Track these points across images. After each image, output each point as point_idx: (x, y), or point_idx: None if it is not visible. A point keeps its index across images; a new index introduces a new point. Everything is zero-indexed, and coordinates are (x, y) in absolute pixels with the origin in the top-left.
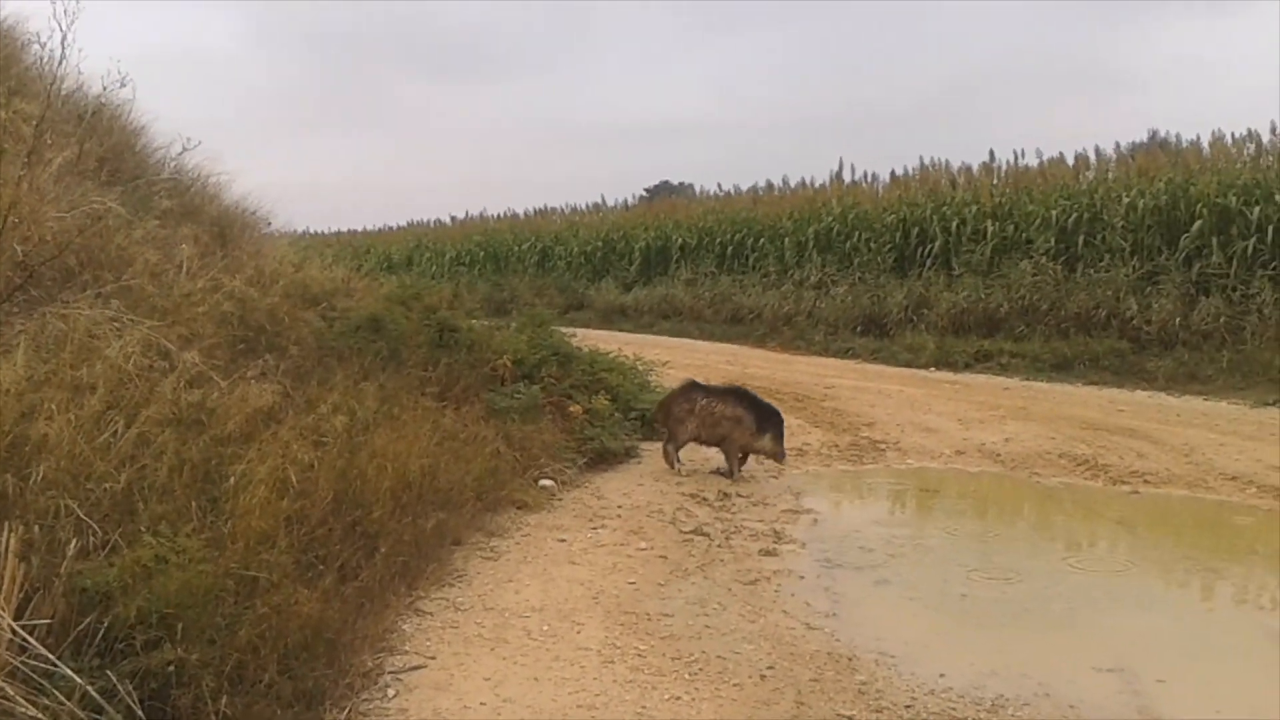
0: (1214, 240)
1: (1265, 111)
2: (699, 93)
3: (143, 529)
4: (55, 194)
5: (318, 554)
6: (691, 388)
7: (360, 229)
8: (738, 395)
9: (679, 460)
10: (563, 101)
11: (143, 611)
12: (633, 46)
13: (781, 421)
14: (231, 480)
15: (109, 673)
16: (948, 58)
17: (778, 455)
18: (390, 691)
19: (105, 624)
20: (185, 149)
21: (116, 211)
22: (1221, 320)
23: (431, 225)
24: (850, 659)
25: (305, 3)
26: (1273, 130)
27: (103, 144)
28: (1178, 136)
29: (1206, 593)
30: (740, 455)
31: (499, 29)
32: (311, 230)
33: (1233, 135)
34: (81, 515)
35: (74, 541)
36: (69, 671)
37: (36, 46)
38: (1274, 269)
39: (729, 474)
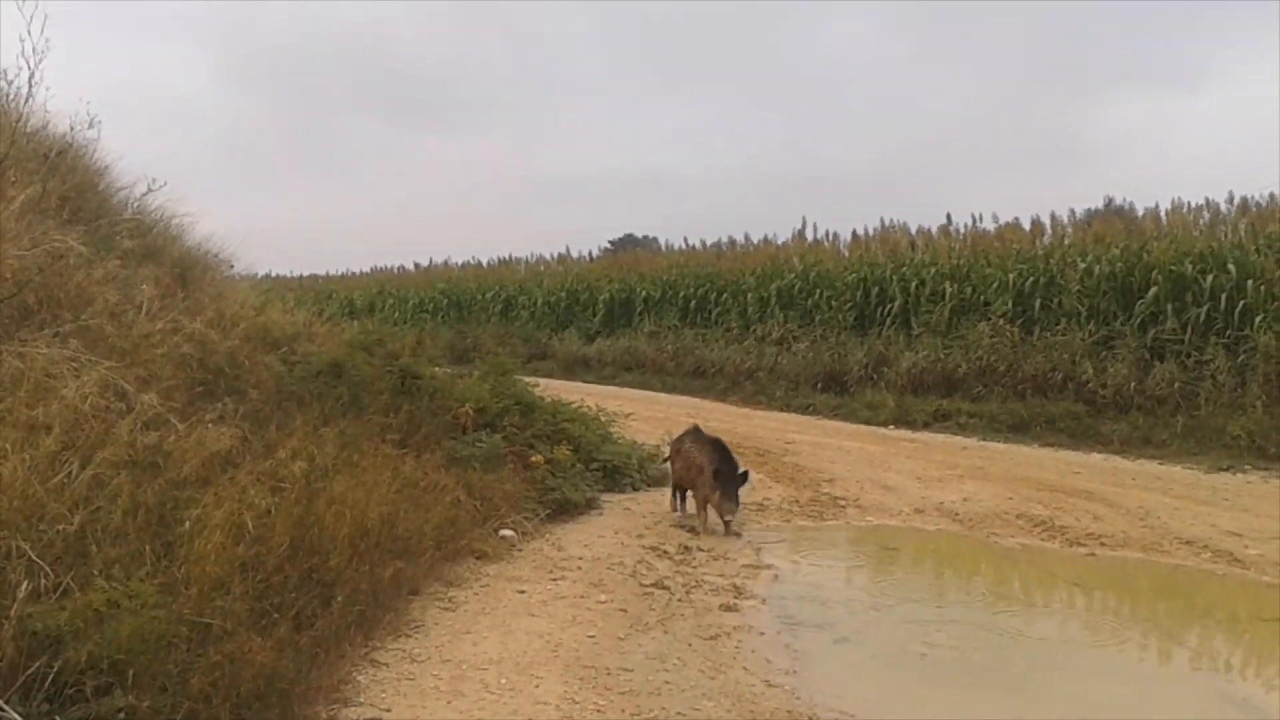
0: (1169, 307)
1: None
2: (662, 149)
3: (96, 572)
4: (16, 231)
5: (273, 602)
6: (691, 430)
7: (323, 273)
8: (714, 446)
9: (678, 505)
10: (527, 152)
11: (94, 656)
12: (597, 100)
13: (735, 482)
14: (187, 525)
15: (58, 718)
16: (905, 124)
17: (721, 512)
18: None
19: (55, 668)
20: (149, 190)
21: (77, 251)
22: (1176, 386)
23: (395, 271)
24: (810, 717)
25: (269, 45)
26: (1230, 200)
27: (66, 182)
28: (1132, 204)
29: (1162, 656)
30: (704, 507)
31: (464, 78)
32: (274, 274)
33: (1189, 204)
34: (33, 557)
35: (25, 583)
36: (17, 716)
37: (3, 83)
38: (1228, 336)
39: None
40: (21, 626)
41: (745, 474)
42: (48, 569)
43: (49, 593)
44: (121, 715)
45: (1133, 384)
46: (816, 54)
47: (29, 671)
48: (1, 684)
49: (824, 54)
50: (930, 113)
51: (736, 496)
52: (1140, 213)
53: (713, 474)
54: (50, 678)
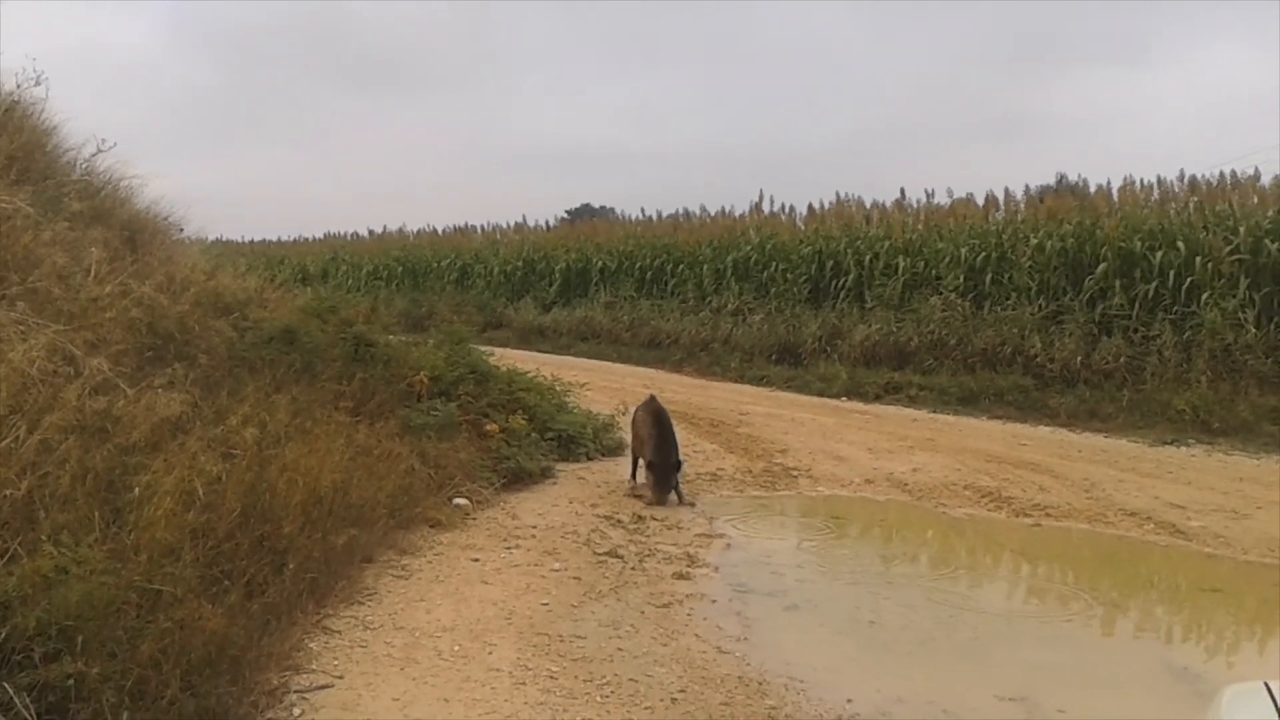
0: (1117, 282)
1: (1165, 161)
2: (617, 120)
3: (44, 538)
4: None
5: (224, 569)
6: (646, 400)
7: (275, 239)
8: (656, 424)
9: (634, 475)
10: (483, 121)
11: (42, 623)
12: (553, 70)
13: (664, 458)
14: (136, 491)
15: (6, 685)
16: (863, 100)
17: (652, 499)
18: (296, 710)
19: (3, 634)
20: (98, 151)
21: (25, 212)
22: (1122, 360)
23: (349, 238)
24: (760, 683)
25: (220, 8)
26: (1180, 178)
27: (13, 142)
28: (1084, 180)
29: (1107, 625)
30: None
31: (419, 45)
32: (225, 238)
33: (1141, 181)
34: None
35: None
36: None
37: None
38: (1175, 312)
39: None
40: None
41: (678, 464)
42: None
43: None
44: (70, 681)
45: (1080, 358)
46: (776, 29)
47: None
48: None
49: (783, 29)
50: (887, 89)
51: (668, 484)
52: (1093, 189)
53: (647, 465)
54: None
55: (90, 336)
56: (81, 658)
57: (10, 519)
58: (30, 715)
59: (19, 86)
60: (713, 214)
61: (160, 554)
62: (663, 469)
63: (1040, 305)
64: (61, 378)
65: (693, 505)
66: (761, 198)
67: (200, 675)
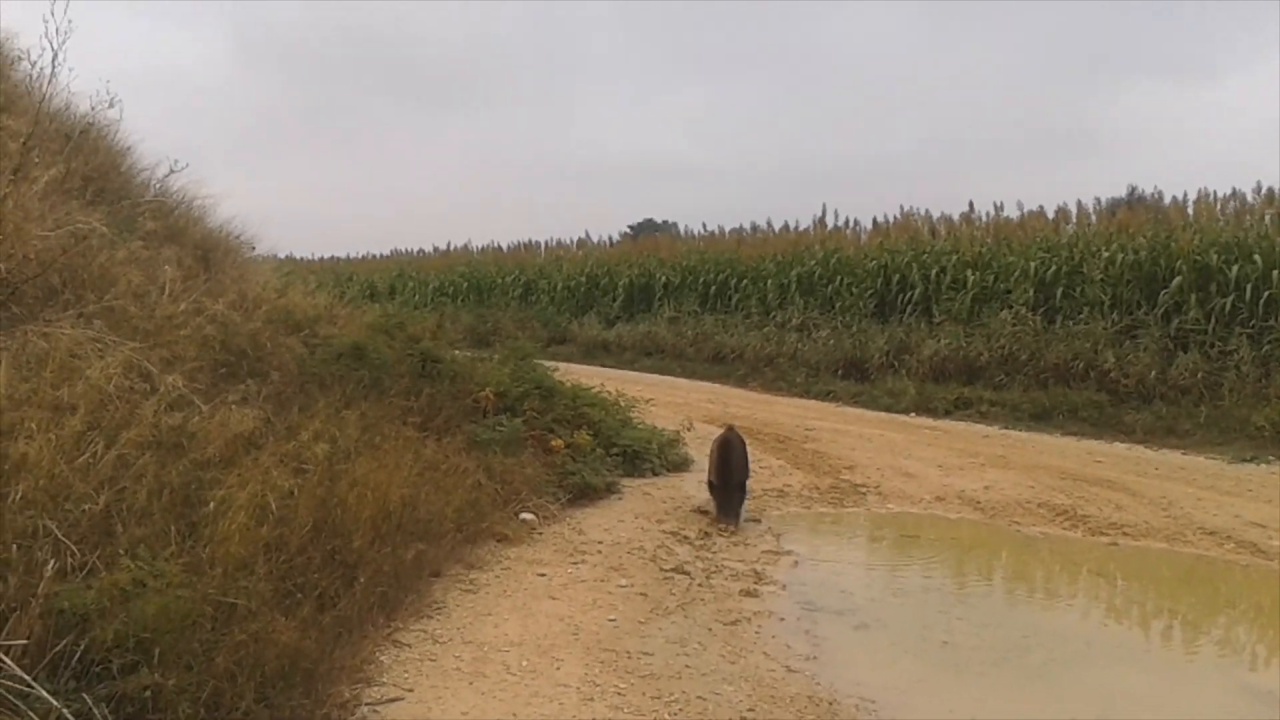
0: (1193, 297)
1: (1240, 174)
2: (679, 135)
3: (121, 552)
4: (40, 212)
5: (296, 582)
6: (724, 429)
7: (343, 256)
8: (723, 442)
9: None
10: (546, 136)
11: (120, 635)
12: (616, 86)
13: (723, 483)
14: (211, 505)
15: (85, 695)
16: (927, 113)
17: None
18: None
19: (82, 646)
20: (171, 171)
21: (101, 231)
22: (1199, 376)
23: (415, 255)
24: (831, 703)
25: (286, 28)
26: (1257, 190)
27: (89, 163)
28: (1159, 192)
29: (1186, 647)
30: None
31: (482, 61)
32: (295, 256)
33: (1215, 194)
34: (60, 536)
35: (52, 562)
36: (45, 693)
37: (26, 64)
38: (1252, 326)
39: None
40: (48, 605)
41: (740, 485)
42: (74, 548)
43: (75, 572)
44: (147, 693)
45: (1155, 373)
46: (838, 43)
47: (56, 649)
48: (29, 661)
49: (845, 43)
50: (952, 102)
51: (732, 511)
52: (1166, 202)
53: (709, 486)
54: (77, 655)
55: (165, 354)
56: (158, 670)
57: (88, 533)
58: None
59: (93, 109)
60: (776, 229)
61: (234, 567)
62: (722, 491)
63: (1113, 320)
64: (138, 394)
65: (758, 521)
66: (825, 212)
67: (274, 687)
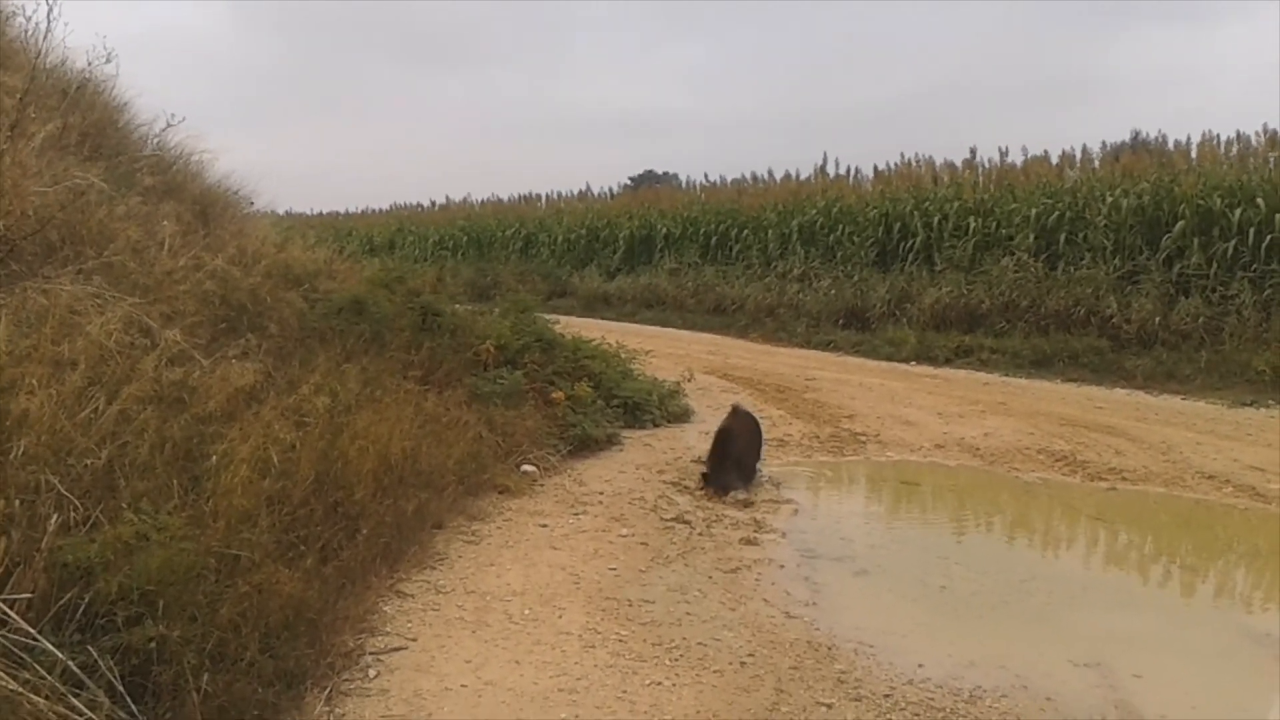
0: (1195, 241)
1: (1236, 118)
2: (677, 86)
3: (124, 506)
4: (38, 168)
5: (299, 534)
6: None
7: (342, 211)
8: (722, 431)
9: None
10: (545, 91)
11: (124, 588)
12: (614, 38)
13: (719, 456)
14: (213, 459)
15: (90, 648)
16: (926, 59)
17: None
18: (371, 672)
19: (86, 599)
20: (169, 125)
21: (99, 187)
22: (1200, 321)
23: (414, 209)
24: (830, 648)
25: None
26: (1264, 132)
27: (86, 119)
28: (1163, 136)
29: (1184, 590)
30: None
31: (479, 14)
32: (294, 211)
33: (1219, 137)
34: (63, 490)
35: (55, 517)
36: (50, 646)
37: (21, 19)
38: (1254, 271)
39: None
40: (52, 558)
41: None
42: (76, 502)
43: (78, 525)
44: (152, 644)
45: (1157, 319)
46: None
47: (60, 603)
48: (34, 615)
49: None
50: (953, 47)
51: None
52: (1170, 146)
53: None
54: (81, 608)
55: (165, 309)
56: (163, 621)
57: (92, 487)
58: (114, 677)
59: (90, 64)
60: (777, 178)
61: (237, 520)
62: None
63: (1116, 265)
64: (138, 349)
65: (758, 471)
66: (826, 160)
67: (278, 638)
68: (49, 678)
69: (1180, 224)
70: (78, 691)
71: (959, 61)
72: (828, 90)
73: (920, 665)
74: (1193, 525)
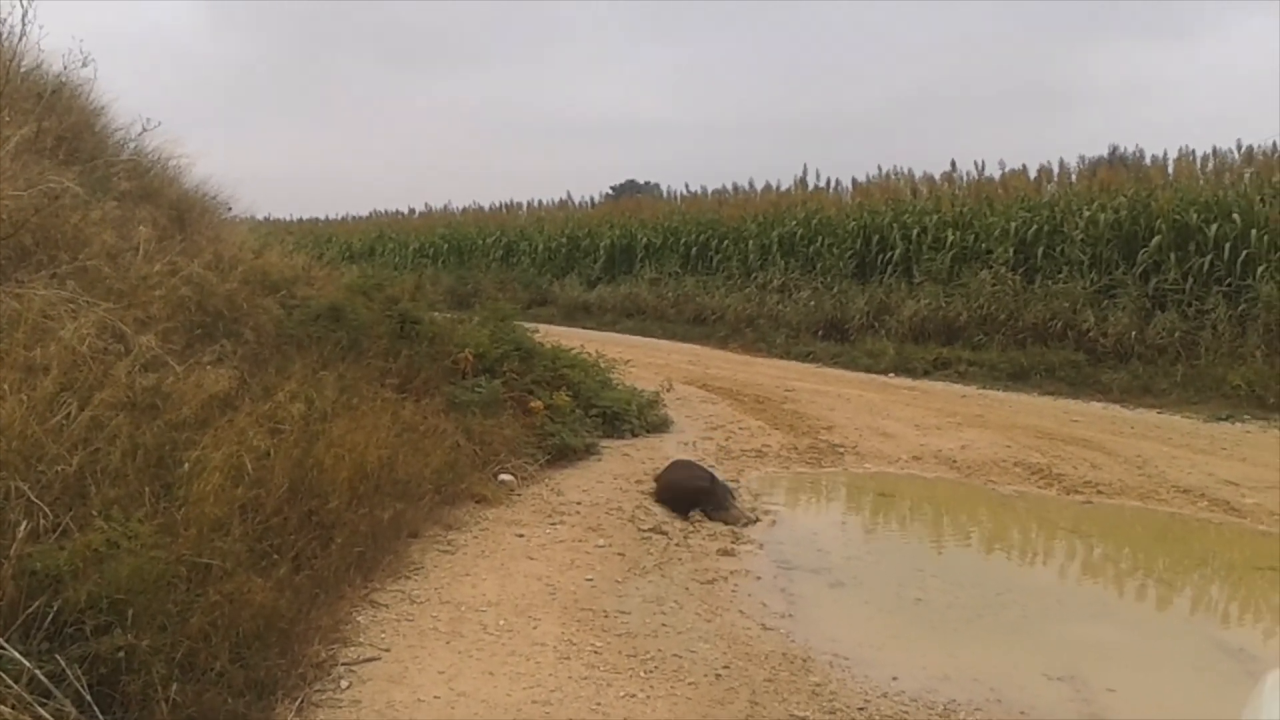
0: (1172, 256)
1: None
2: (654, 94)
3: (94, 513)
4: (12, 172)
5: (272, 543)
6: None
7: (321, 217)
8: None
9: None
10: (525, 97)
11: (93, 596)
12: (592, 45)
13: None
14: (185, 466)
15: (58, 657)
16: (904, 67)
17: None
18: (344, 683)
19: (55, 608)
20: (145, 130)
21: (74, 191)
22: (1176, 335)
23: (395, 215)
24: (805, 660)
25: None
26: (1237, 148)
27: (61, 122)
28: (1141, 151)
29: (1159, 604)
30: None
31: (459, 19)
32: (272, 217)
33: (1195, 153)
34: (32, 497)
35: (24, 524)
36: (17, 654)
37: None
38: (1229, 285)
39: None
40: (21, 566)
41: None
42: (46, 509)
43: (48, 533)
44: (121, 654)
45: (1133, 333)
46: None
47: (29, 611)
48: (2, 623)
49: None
50: (930, 56)
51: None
52: (1147, 160)
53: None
54: (50, 617)
55: (140, 314)
56: (132, 630)
57: (61, 494)
58: (82, 686)
59: (66, 67)
60: (759, 189)
61: (209, 528)
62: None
63: (1092, 279)
64: (112, 355)
65: (735, 483)
66: (806, 172)
67: (249, 648)
68: (15, 686)
69: (1156, 239)
70: (45, 701)
71: (937, 70)
72: (808, 98)
73: (895, 678)
74: (1168, 539)
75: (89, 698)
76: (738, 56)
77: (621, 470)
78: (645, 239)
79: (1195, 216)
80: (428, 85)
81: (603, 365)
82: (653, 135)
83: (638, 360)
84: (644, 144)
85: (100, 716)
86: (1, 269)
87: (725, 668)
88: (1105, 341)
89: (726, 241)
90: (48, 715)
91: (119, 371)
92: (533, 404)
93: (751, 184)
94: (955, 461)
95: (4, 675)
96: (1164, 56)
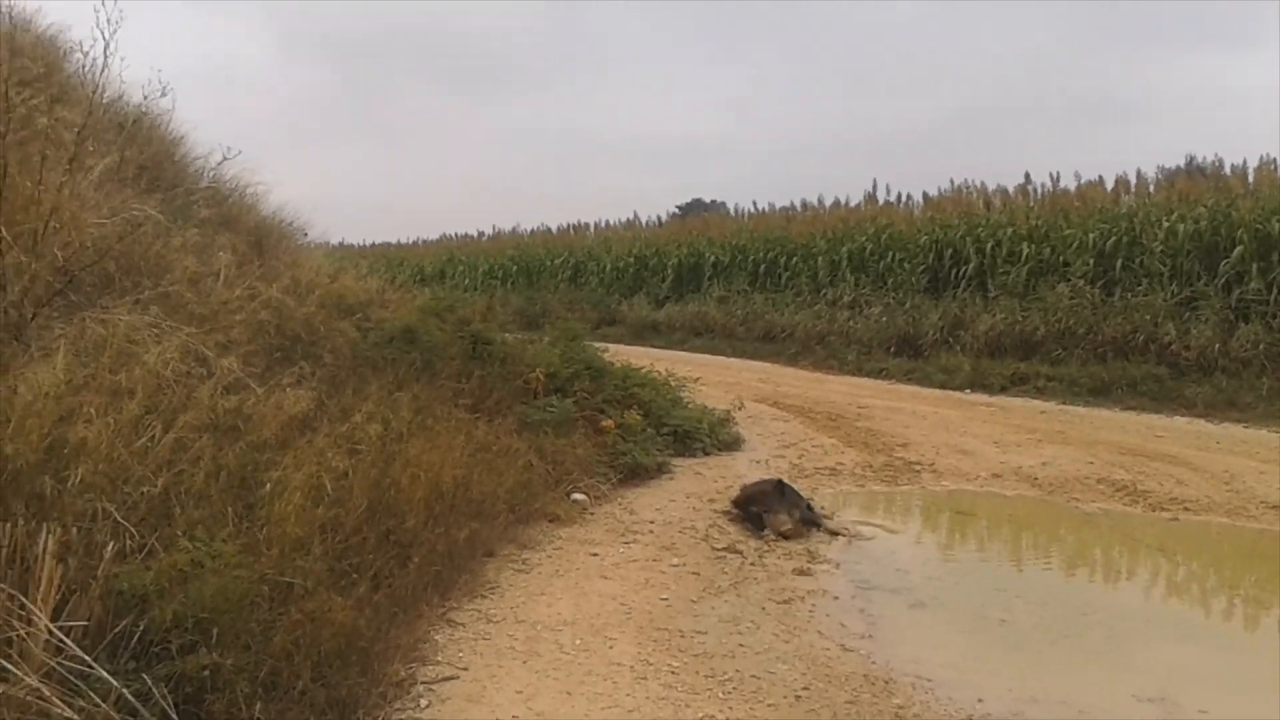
0: (1254, 266)
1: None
2: (719, 113)
3: (179, 533)
4: (96, 200)
5: (351, 562)
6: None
7: (394, 241)
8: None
9: None
10: (589, 120)
11: (179, 615)
12: (656, 66)
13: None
14: (267, 486)
15: (144, 675)
16: (969, 79)
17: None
18: (423, 702)
19: (141, 627)
20: (225, 159)
21: (155, 219)
22: (1261, 347)
23: (464, 239)
24: (887, 682)
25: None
26: None
27: (143, 152)
28: (1220, 161)
29: (1249, 623)
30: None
31: (525, 44)
32: (346, 242)
33: (1276, 161)
34: (119, 518)
35: (111, 544)
36: (105, 673)
37: (79, 54)
38: None
39: None
40: (108, 586)
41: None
42: (133, 530)
43: (134, 553)
44: (205, 672)
45: (1216, 345)
46: (881, 11)
47: (115, 630)
48: (89, 642)
49: (889, 11)
50: (999, 71)
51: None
52: (1226, 170)
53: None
54: (136, 636)
55: (221, 338)
56: (217, 649)
57: (147, 515)
58: (168, 705)
59: (146, 98)
60: (827, 205)
61: (291, 548)
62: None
63: (1173, 291)
64: (194, 378)
65: (811, 499)
66: (876, 187)
67: (330, 666)
68: (103, 705)
69: (1238, 249)
70: (132, 719)
71: (1005, 82)
72: (876, 113)
73: (980, 700)
74: (1257, 556)
75: (175, 716)
76: (801, 74)
77: (694, 489)
78: (713, 257)
79: (1278, 226)
80: (493, 109)
81: (673, 384)
82: (718, 154)
83: (707, 379)
84: (709, 163)
85: None
86: (87, 295)
87: (805, 689)
88: (1188, 355)
89: (795, 258)
90: None
91: (202, 394)
92: (604, 423)
93: (820, 200)
94: (1036, 479)
95: (92, 694)
96: (1239, 64)
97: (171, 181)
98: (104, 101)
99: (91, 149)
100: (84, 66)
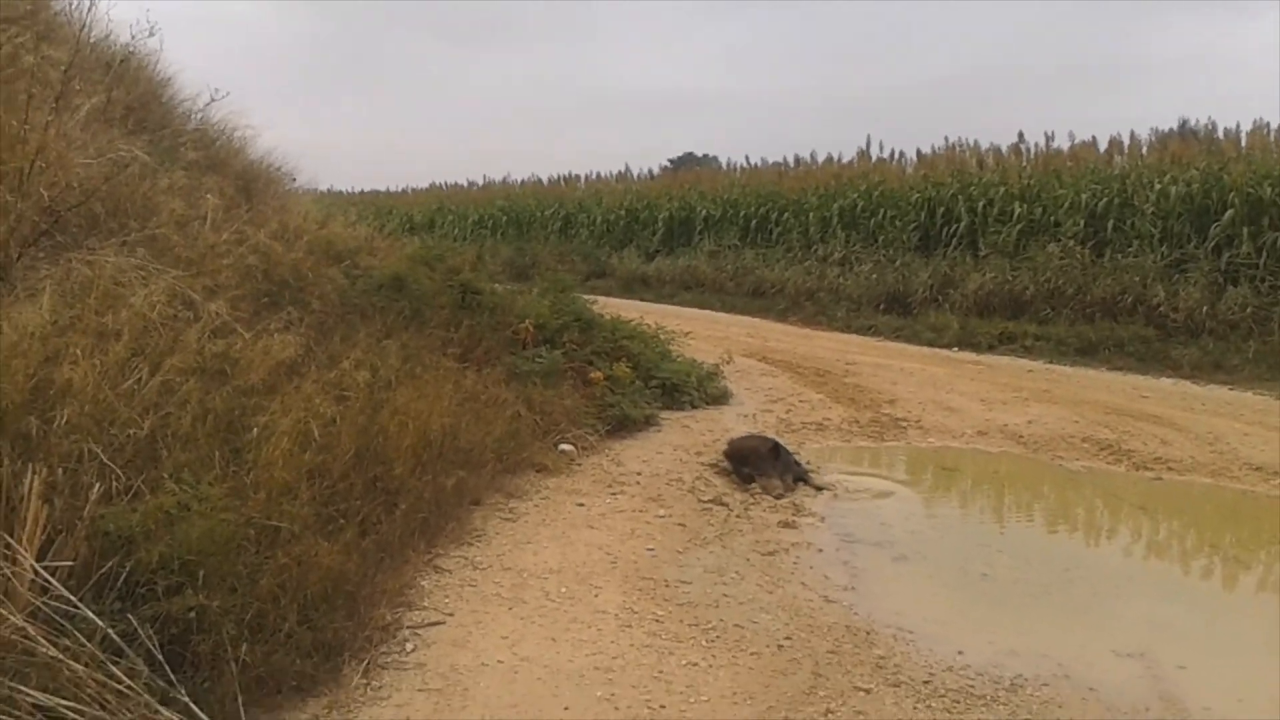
0: (1244, 230)
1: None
2: (721, 68)
3: (166, 476)
4: (82, 140)
5: (338, 507)
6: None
7: (383, 189)
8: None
9: None
10: (585, 71)
11: (165, 557)
12: (654, 18)
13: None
14: (254, 431)
15: (130, 616)
16: (968, 41)
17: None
18: (409, 646)
19: (127, 568)
20: (212, 100)
21: (143, 160)
22: (1249, 310)
23: (454, 188)
24: (868, 633)
25: None
26: None
27: (130, 93)
28: (1212, 124)
29: (1229, 581)
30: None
31: None
32: (334, 189)
33: (1269, 125)
34: (105, 460)
35: (97, 486)
36: (90, 614)
37: None
38: None
39: None
40: (94, 527)
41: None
42: (119, 472)
43: (120, 495)
44: (192, 614)
45: (1205, 308)
46: None
47: (101, 571)
48: (75, 583)
49: None
50: (993, 30)
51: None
52: (1219, 133)
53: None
54: (122, 577)
55: (208, 282)
56: (203, 591)
57: (133, 458)
58: (153, 645)
59: (134, 38)
60: (819, 161)
61: (278, 492)
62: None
63: (1163, 253)
64: (181, 322)
65: (797, 453)
66: (869, 143)
67: (317, 610)
68: (89, 645)
69: (1229, 212)
70: (117, 659)
71: (1000, 44)
72: (869, 72)
73: (960, 652)
74: (1239, 517)
75: (160, 657)
76: (797, 30)
77: (681, 441)
78: (704, 211)
79: (1269, 190)
80: (486, 60)
81: (662, 337)
82: (711, 109)
83: (697, 332)
84: (702, 118)
85: (171, 675)
86: (73, 236)
87: (788, 639)
88: (1176, 317)
89: (786, 214)
90: (120, 673)
91: (189, 338)
92: (593, 375)
93: (813, 156)
94: (1021, 436)
95: (77, 634)
96: (1233, 28)
97: (159, 123)
98: (91, 40)
99: (78, 88)
100: (71, 4)
